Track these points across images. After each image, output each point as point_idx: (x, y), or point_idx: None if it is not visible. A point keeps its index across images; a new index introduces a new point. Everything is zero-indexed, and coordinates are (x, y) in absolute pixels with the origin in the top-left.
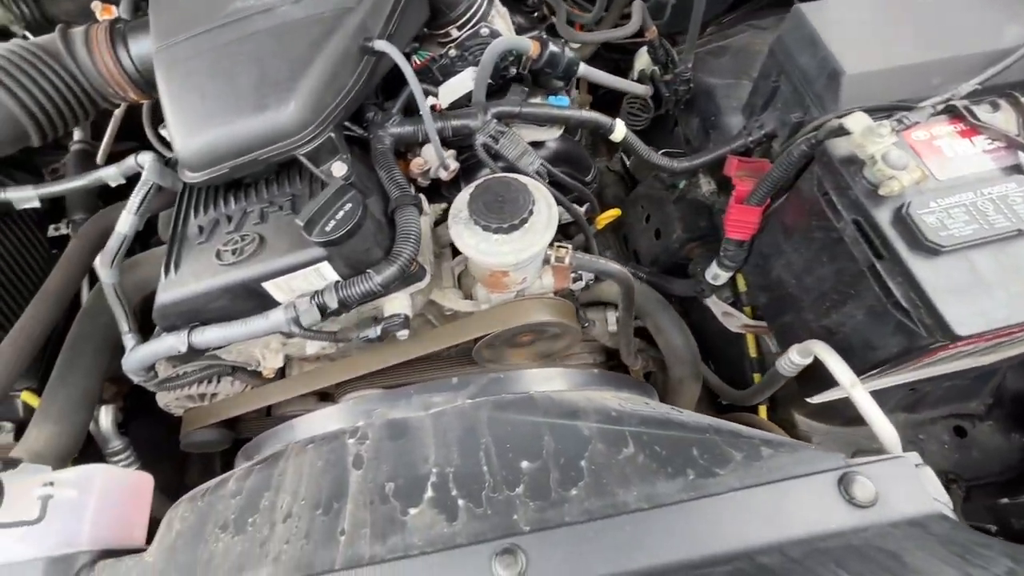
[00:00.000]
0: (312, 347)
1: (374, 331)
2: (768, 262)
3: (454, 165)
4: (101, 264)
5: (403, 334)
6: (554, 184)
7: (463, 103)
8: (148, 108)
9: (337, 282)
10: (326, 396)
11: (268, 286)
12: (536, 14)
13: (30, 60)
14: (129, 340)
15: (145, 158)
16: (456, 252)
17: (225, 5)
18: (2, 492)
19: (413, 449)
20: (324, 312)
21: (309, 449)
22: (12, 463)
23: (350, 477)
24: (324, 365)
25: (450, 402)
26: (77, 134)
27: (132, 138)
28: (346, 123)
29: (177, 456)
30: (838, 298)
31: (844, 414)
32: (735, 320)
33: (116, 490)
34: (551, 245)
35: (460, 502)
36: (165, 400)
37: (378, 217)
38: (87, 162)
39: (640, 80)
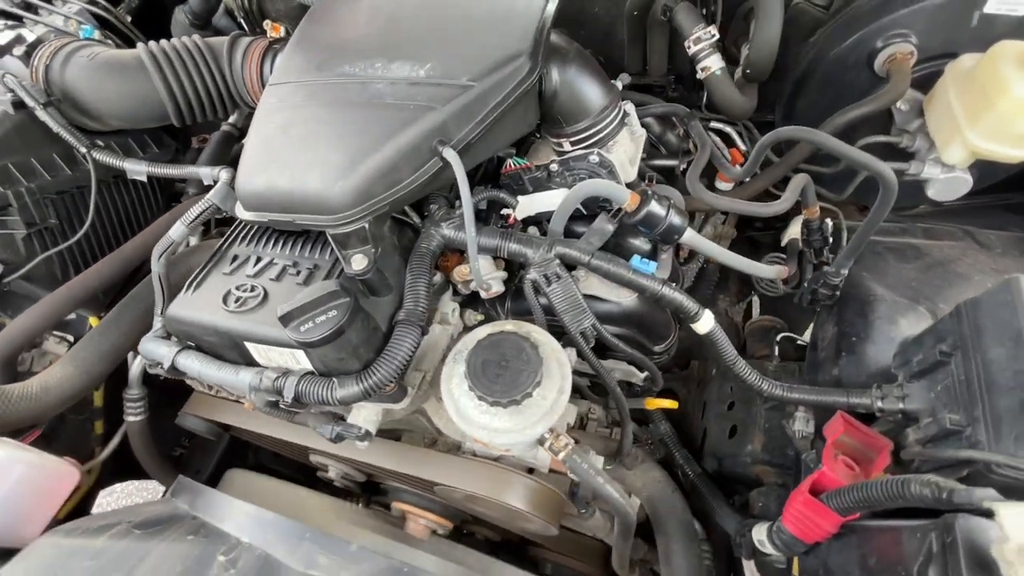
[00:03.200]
0: None
1: (328, 431)
2: None
3: (496, 289)
4: (154, 255)
5: (363, 445)
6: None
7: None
8: None
9: (304, 375)
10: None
11: (250, 346)
12: (684, 145)
13: (193, 56)
14: (157, 323)
15: (223, 176)
16: None
17: (337, 65)
18: None
19: None
20: (279, 395)
21: (186, 542)
22: None
23: None
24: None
25: (333, 572)
26: (233, 117)
27: None
28: (406, 208)
29: None
30: None
31: None
32: None
33: (32, 483)
34: (551, 431)
35: None
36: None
37: (377, 322)
38: (228, 144)
39: (788, 249)
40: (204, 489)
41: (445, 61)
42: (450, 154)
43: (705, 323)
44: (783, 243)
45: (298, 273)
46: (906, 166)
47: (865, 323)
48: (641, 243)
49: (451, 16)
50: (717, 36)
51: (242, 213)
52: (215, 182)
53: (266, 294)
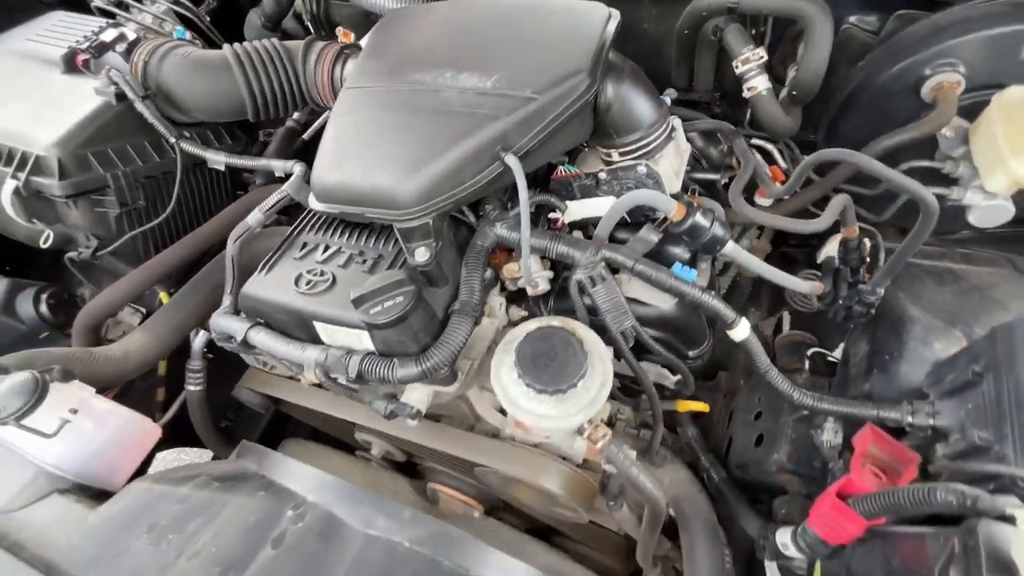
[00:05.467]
0: None
1: (384, 408)
2: None
3: (543, 287)
4: (230, 239)
5: (413, 423)
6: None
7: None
8: None
9: (367, 354)
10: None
11: (317, 325)
12: (727, 160)
13: (272, 56)
14: (226, 300)
15: (296, 169)
16: None
17: (409, 72)
18: (43, 395)
19: (328, 560)
20: (343, 372)
21: (258, 497)
22: (68, 376)
23: (261, 553)
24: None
25: (390, 533)
26: (296, 114)
27: None
28: (463, 207)
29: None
30: None
31: None
32: None
33: (123, 435)
34: (590, 421)
35: None
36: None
37: (435, 311)
38: (293, 138)
39: (824, 266)
40: (270, 452)
41: (511, 74)
42: (512, 160)
43: (741, 330)
44: (819, 260)
45: (364, 262)
46: (948, 192)
47: (899, 342)
48: (681, 251)
49: (518, 31)
50: (765, 58)
51: (315, 204)
52: (287, 175)
53: (334, 279)
